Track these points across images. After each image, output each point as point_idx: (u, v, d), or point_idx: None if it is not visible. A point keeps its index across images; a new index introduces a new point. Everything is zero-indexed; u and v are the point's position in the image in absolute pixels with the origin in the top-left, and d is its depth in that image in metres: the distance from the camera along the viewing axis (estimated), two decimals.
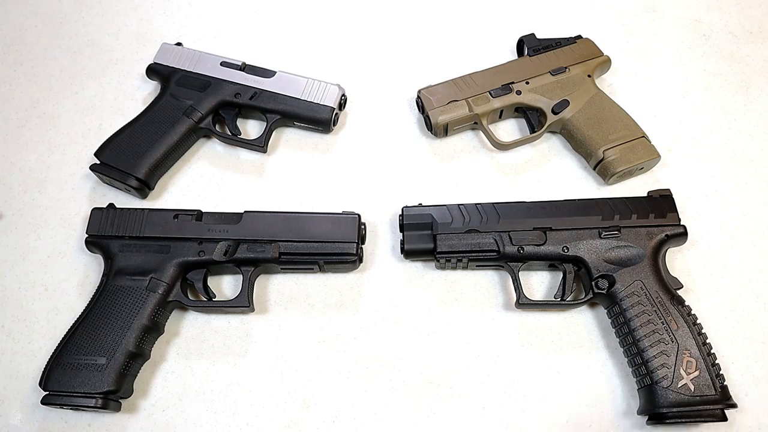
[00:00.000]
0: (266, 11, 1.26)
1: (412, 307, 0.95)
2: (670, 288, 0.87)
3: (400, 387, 0.89)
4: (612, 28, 1.23)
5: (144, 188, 1.01)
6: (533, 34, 1.13)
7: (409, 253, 0.93)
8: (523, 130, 1.11)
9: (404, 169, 1.07)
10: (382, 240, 1.00)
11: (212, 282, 0.95)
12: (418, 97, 1.08)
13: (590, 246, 0.90)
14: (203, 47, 1.16)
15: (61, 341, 0.86)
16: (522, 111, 1.08)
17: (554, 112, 1.05)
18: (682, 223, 0.92)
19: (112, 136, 1.02)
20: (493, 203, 0.94)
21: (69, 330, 0.86)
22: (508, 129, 1.12)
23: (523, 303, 0.90)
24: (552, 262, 0.92)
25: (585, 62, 1.09)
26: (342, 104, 1.09)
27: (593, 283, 0.89)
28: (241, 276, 0.93)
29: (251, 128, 1.12)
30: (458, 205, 0.94)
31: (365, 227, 0.96)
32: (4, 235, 1.01)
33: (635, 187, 1.04)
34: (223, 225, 0.92)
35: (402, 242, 0.93)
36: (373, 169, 1.07)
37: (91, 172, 1.01)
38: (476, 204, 0.94)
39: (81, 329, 0.86)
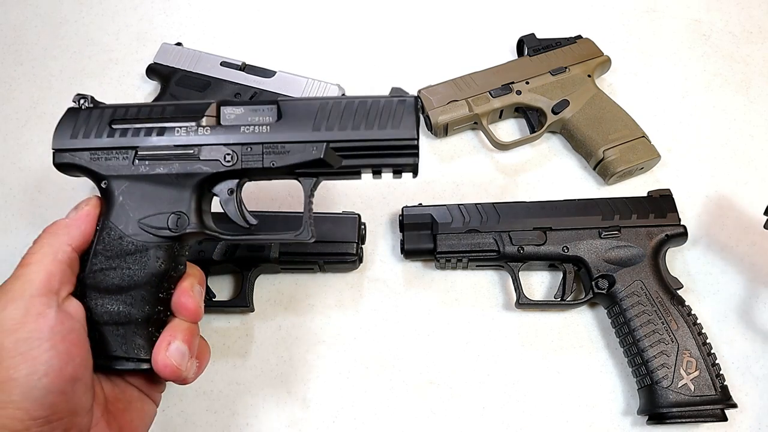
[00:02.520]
0: (266, 11, 1.26)
1: (412, 307, 0.95)
2: (670, 288, 0.87)
3: (400, 387, 0.89)
4: (612, 28, 1.23)
5: None
6: (533, 34, 1.13)
7: (409, 253, 0.93)
8: (523, 130, 1.11)
9: None
10: (382, 240, 1.00)
11: (212, 282, 0.95)
12: (418, 97, 1.07)
13: (590, 246, 0.90)
14: (203, 47, 1.16)
15: None
16: (522, 111, 1.08)
17: (554, 112, 1.05)
18: (682, 223, 0.92)
19: None
20: (493, 203, 0.94)
21: None
22: (508, 129, 1.12)
23: (523, 303, 0.90)
24: (552, 262, 0.92)
25: (585, 62, 1.09)
26: None
27: (593, 283, 0.89)
28: (241, 276, 0.93)
29: None
30: (458, 205, 0.94)
31: (365, 227, 0.96)
32: (4, 235, 1.01)
33: (635, 187, 1.04)
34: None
35: (402, 242, 0.93)
36: None
37: None
38: (476, 204, 0.94)
39: None
